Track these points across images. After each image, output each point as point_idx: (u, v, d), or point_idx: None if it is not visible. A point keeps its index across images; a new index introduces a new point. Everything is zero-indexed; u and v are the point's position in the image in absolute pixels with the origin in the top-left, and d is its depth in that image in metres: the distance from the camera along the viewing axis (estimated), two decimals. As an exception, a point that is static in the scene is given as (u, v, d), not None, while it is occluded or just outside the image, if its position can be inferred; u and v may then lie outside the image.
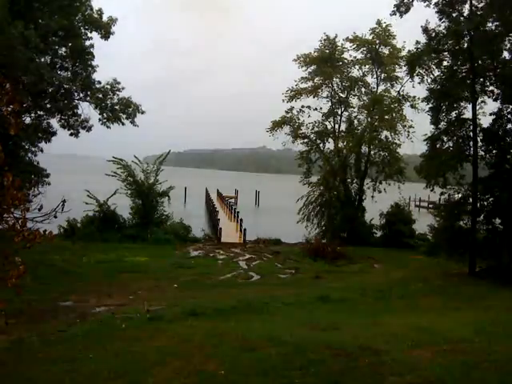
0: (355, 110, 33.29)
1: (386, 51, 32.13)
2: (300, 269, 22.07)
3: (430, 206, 49.24)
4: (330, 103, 33.20)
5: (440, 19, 20.76)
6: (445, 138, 21.89)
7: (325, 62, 31.89)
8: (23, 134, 20.24)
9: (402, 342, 8.72)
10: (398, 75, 31.46)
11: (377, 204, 31.17)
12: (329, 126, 33.35)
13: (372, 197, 31.93)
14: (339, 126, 33.22)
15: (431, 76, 22.85)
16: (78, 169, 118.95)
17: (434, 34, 20.91)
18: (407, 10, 21.65)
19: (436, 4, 20.68)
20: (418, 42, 21.58)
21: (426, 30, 21.06)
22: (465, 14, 20.63)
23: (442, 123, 21.72)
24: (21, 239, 5.37)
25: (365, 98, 32.96)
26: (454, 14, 20.71)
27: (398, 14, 21.75)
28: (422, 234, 29.80)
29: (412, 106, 30.59)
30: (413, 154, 32.62)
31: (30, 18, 19.62)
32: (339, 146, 32.46)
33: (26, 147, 23.22)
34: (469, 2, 20.35)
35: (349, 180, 32.80)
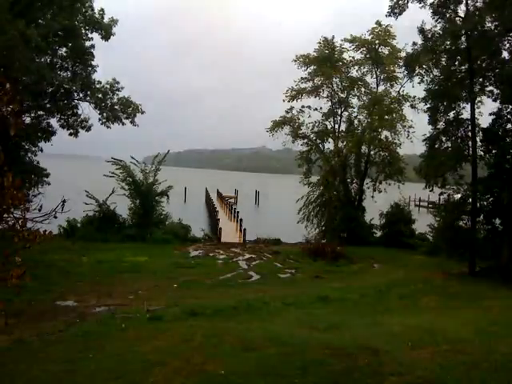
0: (355, 110, 33.29)
1: (385, 51, 32.12)
2: (300, 269, 22.05)
3: (430, 205, 49.26)
4: (329, 103, 33.19)
5: (436, 20, 20.81)
6: (443, 138, 21.91)
7: (324, 63, 31.88)
8: (23, 134, 20.24)
9: (401, 342, 8.73)
10: (398, 75, 31.49)
11: (377, 204, 31.17)
12: (329, 126, 33.31)
13: (372, 197, 31.92)
14: (339, 126, 33.21)
15: (430, 76, 22.87)
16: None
17: (430, 35, 20.94)
18: (402, 12, 21.71)
19: (431, 5, 20.71)
20: (414, 43, 21.66)
21: (422, 30, 21.11)
22: (460, 14, 20.66)
23: (441, 123, 21.76)
24: (21, 239, 5.37)
25: (365, 98, 32.95)
26: (449, 15, 20.75)
27: (392, 16, 21.84)
28: (422, 233, 29.82)
29: (412, 106, 30.60)
30: (413, 154, 32.64)
31: (30, 18, 19.61)
32: (339, 146, 32.44)
33: (26, 147, 23.22)
34: (464, 2, 20.38)
35: (349, 180, 32.76)
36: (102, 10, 24.24)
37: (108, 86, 25.09)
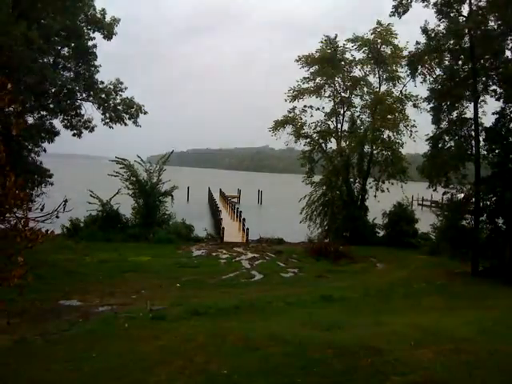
0: (358, 109, 33.24)
1: (387, 50, 32.04)
2: (302, 268, 22.03)
3: (433, 205, 49.10)
4: (332, 103, 33.15)
5: (439, 19, 20.77)
6: (446, 138, 21.83)
7: (326, 62, 31.83)
8: (26, 134, 20.29)
9: (404, 342, 8.71)
10: (400, 75, 31.41)
11: (379, 203, 31.10)
12: (331, 126, 33.29)
13: (375, 196, 31.87)
14: (342, 126, 33.19)
15: (433, 75, 22.81)
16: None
17: (433, 34, 20.90)
18: (405, 11, 21.70)
19: (435, 4, 20.66)
20: (418, 43, 21.60)
21: (425, 30, 21.06)
22: (464, 14, 20.61)
23: (444, 123, 21.68)
24: (23, 239, 5.39)
25: (367, 98, 32.90)
26: (453, 14, 20.70)
27: (396, 15, 21.84)
28: (425, 233, 29.71)
29: (414, 106, 30.48)
30: (415, 153, 32.55)
31: (33, 18, 19.65)
32: (342, 145, 32.40)
33: (29, 147, 23.28)
34: (468, 1, 20.32)
35: (351, 179, 32.65)
36: (103, 9, 24.32)
37: (111, 87, 25.15)
